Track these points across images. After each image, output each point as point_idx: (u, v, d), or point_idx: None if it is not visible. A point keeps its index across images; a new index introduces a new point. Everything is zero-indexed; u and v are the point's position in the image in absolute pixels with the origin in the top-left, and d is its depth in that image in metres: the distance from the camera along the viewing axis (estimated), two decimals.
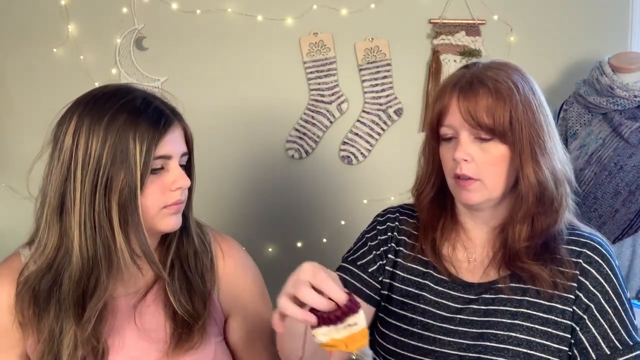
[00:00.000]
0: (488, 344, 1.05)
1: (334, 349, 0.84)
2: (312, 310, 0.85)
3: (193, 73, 2.09)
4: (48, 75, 2.06)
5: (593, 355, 1.03)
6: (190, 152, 1.11)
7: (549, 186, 1.05)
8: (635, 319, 1.07)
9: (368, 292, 1.16)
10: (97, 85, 1.08)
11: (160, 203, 1.04)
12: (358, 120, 2.14)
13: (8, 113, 2.08)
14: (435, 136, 1.09)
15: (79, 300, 1.01)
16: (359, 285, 1.16)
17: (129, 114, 1.00)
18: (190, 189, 1.12)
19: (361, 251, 1.20)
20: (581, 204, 1.82)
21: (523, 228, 1.07)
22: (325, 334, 0.83)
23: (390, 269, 1.17)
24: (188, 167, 1.11)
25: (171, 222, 1.06)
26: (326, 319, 0.83)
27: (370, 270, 1.17)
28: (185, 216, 1.13)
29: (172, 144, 1.04)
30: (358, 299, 1.12)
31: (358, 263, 1.18)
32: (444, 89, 1.08)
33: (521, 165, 1.04)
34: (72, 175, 0.99)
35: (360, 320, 0.84)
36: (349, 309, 0.83)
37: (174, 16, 2.07)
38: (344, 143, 2.15)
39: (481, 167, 1.04)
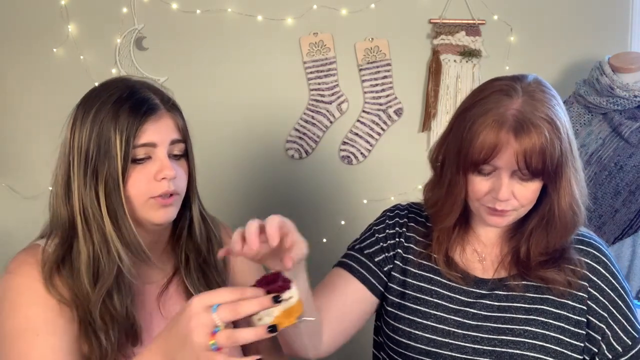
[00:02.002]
0: (504, 337, 1.09)
1: (280, 327, 0.87)
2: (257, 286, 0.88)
3: (193, 73, 2.09)
4: (48, 75, 2.06)
5: (619, 348, 1.10)
6: (185, 141, 1.09)
7: (578, 213, 1.08)
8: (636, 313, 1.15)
9: (373, 280, 1.18)
10: (96, 85, 1.09)
11: (146, 193, 1.03)
12: (358, 120, 2.14)
13: (8, 113, 2.07)
14: (473, 169, 1.05)
15: (92, 281, 1.02)
16: (365, 274, 1.18)
17: (112, 105, 1.03)
18: (190, 180, 1.11)
19: (368, 241, 1.21)
20: None
21: (539, 245, 1.10)
22: (269, 314, 0.86)
23: (402, 265, 1.18)
24: (187, 157, 1.10)
25: (160, 215, 1.05)
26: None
27: (376, 259, 1.19)
28: (189, 208, 1.13)
29: (156, 132, 1.04)
30: (364, 288, 1.18)
31: (365, 252, 1.20)
32: (495, 128, 1.00)
33: (558, 199, 1.06)
34: (71, 165, 1.04)
35: (295, 293, 0.88)
36: (284, 285, 0.87)
37: (174, 16, 2.07)
38: (344, 143, 2.15)
39: (519, 201, 1.05)
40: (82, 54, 2.06)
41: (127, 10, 2.06)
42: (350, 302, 1.16)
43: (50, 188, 1.08)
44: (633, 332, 1.11)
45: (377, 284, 1.18)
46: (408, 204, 1.26)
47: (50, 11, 2.05)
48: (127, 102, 1.03)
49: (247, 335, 0.81)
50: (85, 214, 1.03)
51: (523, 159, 0.99)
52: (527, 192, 1.04)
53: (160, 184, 1.04)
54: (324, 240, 2.16)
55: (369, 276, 1.18)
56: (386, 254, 1.19)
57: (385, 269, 1.18)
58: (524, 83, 1.05)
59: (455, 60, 2.09)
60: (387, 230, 1.21)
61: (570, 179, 1.05)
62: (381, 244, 1.20)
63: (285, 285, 0.87)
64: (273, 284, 0.87)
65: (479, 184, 1.06)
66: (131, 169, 1.02)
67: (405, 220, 1.21)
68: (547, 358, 1.07)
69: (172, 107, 1.09)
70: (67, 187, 1.05)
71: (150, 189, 1.03)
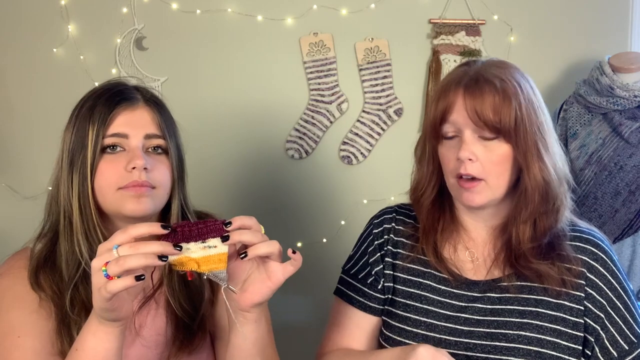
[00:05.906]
0: (497, 343, 1.05)
1: (184, 267, 0.84)
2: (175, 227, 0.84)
3: (193, 73, 2.09)
4: (48, 75, 2.06)
5: (614, 353, 1.05)
6: (165, 138, 1.07)
7: (553, 185, 1.05)
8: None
9: (371, 304, 1.17)
10: (96, 85, 1.10)
11: (115, 184, 1.02)
12: (358, 120, 2.14)
13: (8, 113, 2.07)
14: (436, 135, 1.08)
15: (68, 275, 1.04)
16: (363, 300, 1.17)
17: (92, 100, 1.06)
18: (174, 181, 1.09)
19: (360, 263, 1.20)
20: (581, 204, 1.82)
21: (526, 229, 1.07)
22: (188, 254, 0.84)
23: (391, 273, 1.16)
24: (167, 156, 1.08)
25: (131, 206, 1.02)
26: (187, 234, 0.84)
27: (369, 281, 1.17)
28: (171, 208, 1.10)
29: (127, 123, 1.05)
30: (366, 315, 1.17)
31: (359, 277, 1.19)
32: (448, 86, 1.06)
33: (527, 165, 1.04)
34: (60, 165, 1.07)
35: (220, 245, 0.85)
36: (214, 230, 0.85)
37: (174, 16, 2.07)
38: (344, 143, 2.15)
39: (485, 167, 1.04)
40: (82, 54, 2.06)
41: (127, 10, 2.06)
42: (361, 333, 1.17)
43: (50, 188, 1.09)
44: (632, 336, 1.05)
45: (376, 305, 1.17)
46: (396, 205, 1.24)
47: (50, 11, 2.05)
48: (104, 95, 1.06)
49: (134, 261, 0.80)
50: (65, 209, 1.04)
51: (474, 111, 1.01)
52: (492, 155, 1.03)
53: (130, 174, 1.02)
54: (324, 240, 2.16)
55: (367, 302, 1.17)
56: (377, 269, 1.17)
57: (380, 286, 1.16)
58: (487, 59, 1.11)
59: (455, 60, 2.09)
60: (375, 242, 1.19)
61: (537, 145, 1.04)
62: (371, 260, 1.18)
63: (218, 230, 0.85)
64: (198, 227, 0.85)
65: (447, 151, 1.07)
66: (101, 158, 1.03)
67: (393, 224, 1.20)
68: None
69: (152, 102, 1.09)
70: (58, 187, 1.06)
71: (119, 179, 1.02)
